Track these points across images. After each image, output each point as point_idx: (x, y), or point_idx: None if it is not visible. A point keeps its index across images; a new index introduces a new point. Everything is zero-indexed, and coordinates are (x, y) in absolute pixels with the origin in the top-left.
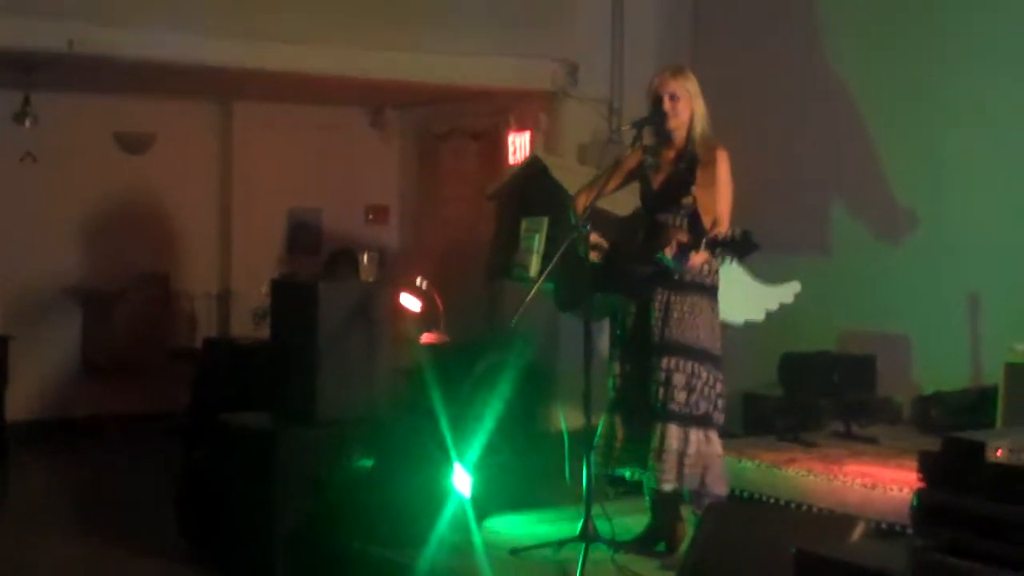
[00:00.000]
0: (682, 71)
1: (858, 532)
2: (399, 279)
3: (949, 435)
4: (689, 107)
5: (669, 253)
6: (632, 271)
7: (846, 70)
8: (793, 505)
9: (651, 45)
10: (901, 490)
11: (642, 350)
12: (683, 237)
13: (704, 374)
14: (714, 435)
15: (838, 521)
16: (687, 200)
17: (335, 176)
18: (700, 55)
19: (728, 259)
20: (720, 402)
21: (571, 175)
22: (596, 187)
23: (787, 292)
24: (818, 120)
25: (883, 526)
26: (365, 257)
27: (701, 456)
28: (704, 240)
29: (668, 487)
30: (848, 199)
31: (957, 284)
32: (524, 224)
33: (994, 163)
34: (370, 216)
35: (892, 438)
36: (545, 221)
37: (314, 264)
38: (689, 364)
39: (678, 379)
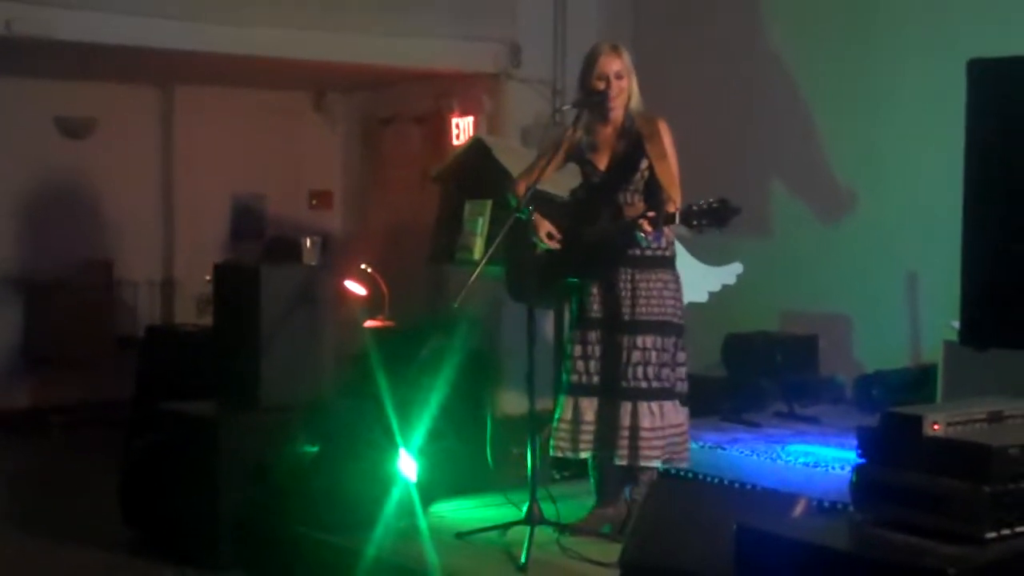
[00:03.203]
0: (619, 48)
1: (799, 508)
2: (343, 264)
3: (886, 410)
4: (628, 83)
5: (643, 231)
6: (600, 254)
7: (786, 51)
8: (736, 484)
9: (593, 26)
10: (843, 468)
11: (608, 329)
12: (653, 212)
13: (671, 348)
14: (681, 407)
15: (780, 498)
16: (637, 176)
17: (279, 161)
18: (641, 36)
19: (708, 228)
20: (684, 372)
21: (514, 157)
22: (535, 170)
23: (729, 273)
24: (758, 101)
25: (825, 504)
26: (308, 241)
27: (673, 429)
28: (679, 212)
29: (649, 463)
30: (789, 180)
31: (896, 264)
32: (468, 207)
33: (931, 144)
34: (314, 201)
35: (834, 417)
36: (489, 204)
37: (258, 250)
38: (659, 339)
39: (650, 356)
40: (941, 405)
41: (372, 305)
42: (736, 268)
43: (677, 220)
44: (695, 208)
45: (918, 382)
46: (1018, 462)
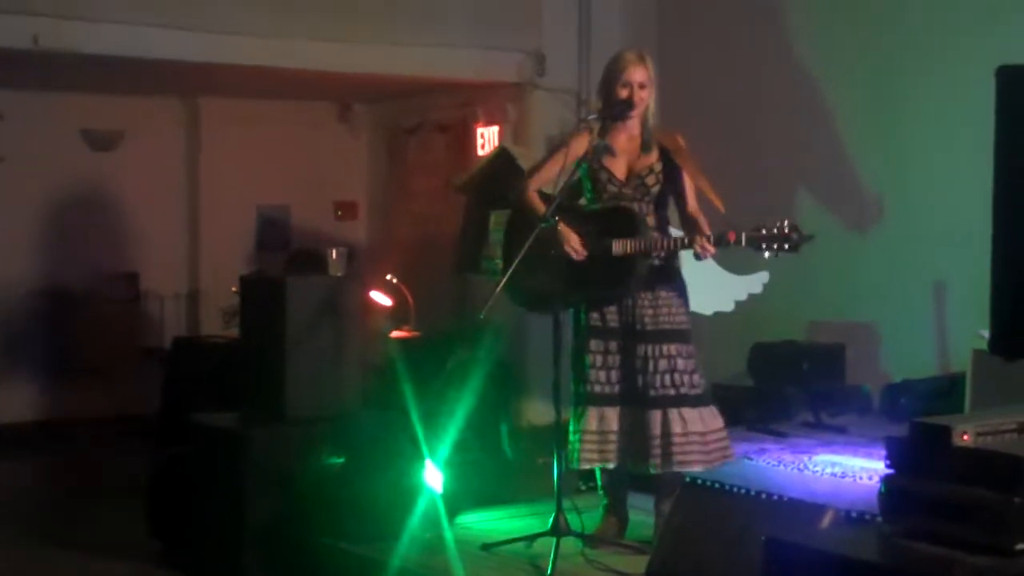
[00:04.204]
0: (645, 57)
1: (827, 520)
2: (368, 274)
3: (914, 420)
4: (649, 94)
5: (702, 252)
6: (633, 266)
7: (812, 61)
8: (763, 495)
9: (617, 35)
10: (871, 479)
11: (628, 339)
12: (710, 232)
13: (693, 353)
14: (715, 409)
15: (808, 509)
16: (654, 187)
17: (303, 172)
18: (666, 45)
19: (775, 253)
20: (703, 374)
21: None
22: (547, 173)
23: (756, 282)
24: (784, 110)
25: (853, 514)
26: (334, 252)
27: (716, 434)
28: (744, 236)
29: (685, 469)
30: (815, 189)
31: (924, 273)
32: (493, 217)
33: (959, 152)
34: (339, 212)
35: (861, 427)
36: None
37: (283, 261)
38: (682, 347)
39: (676, 363)
40: (970, 415)
41: (398, 316)
42: (762, 277)
43: (743, 243)
44: (765, 233)
45: (946, 391)
46: None
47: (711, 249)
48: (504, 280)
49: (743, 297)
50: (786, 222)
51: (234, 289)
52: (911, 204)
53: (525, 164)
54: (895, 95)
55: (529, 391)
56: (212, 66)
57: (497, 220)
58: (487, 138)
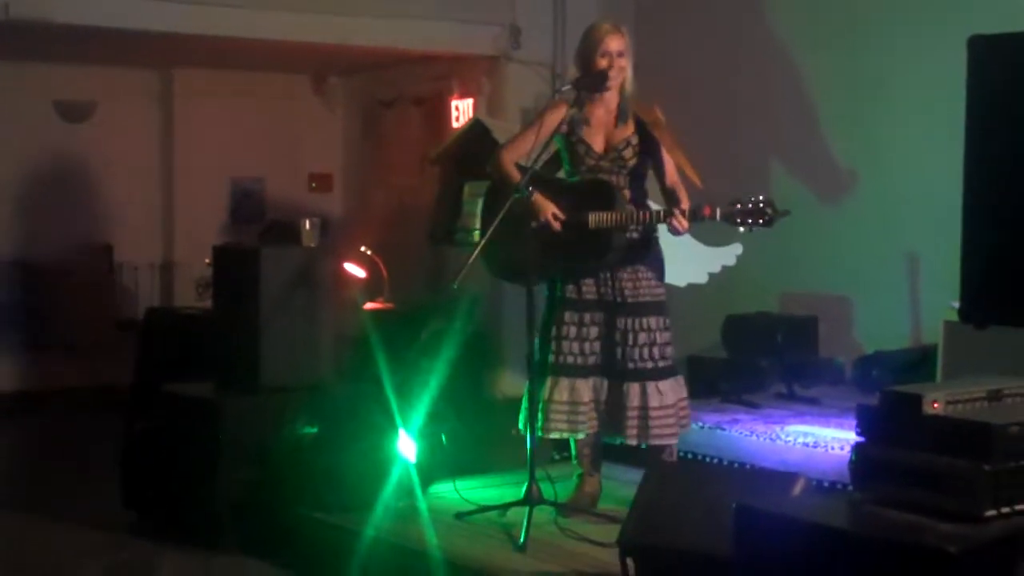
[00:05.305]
0: (621, 27)
1: (799, 488)
2: (343, 246)
3: (886, 389)
4: (627, 64)
5: (678, 225)
6: (611, 239)
7: (786, 32)
8: (736, 465)
9: (592, 9)
10: (843, 449)
11: (607, 311)
12: (685, 206)
13: (668, 326)
14: (682, 378)
15: (779, 478)
16: (631, 160)
17: (278, 144)
18: (642, 18)
19: (752, 229)
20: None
21: None
22: (524, 144)
23: (729, 254)
24: (758, 83)
25: (824, 484)
26: (307, 223)
27: (682, 403)
28: (719, 211)
29: (662, 442)
30: (789, 162)
31: (896, 245)
32: (467, 188)
33: (932, 124)
34: (313, 184)
35: (834, 398)
36: (488, 185)
37: (258, 233)
38: (661, 320)
39: (655, 336)
40: (941, 384)
41: (372, 287)
42: (736, 249)
43: (717, 218)
44: (740, 207)
45: (918, 363)
46: (1018, 440)
47: (685, 224)
48: (477, 251)
49: (717, 269)
50: (761, 197)
51: (208, 261)
52: (884, 177)
53: (499, 136)
54: (869, 66)
55: (503, 362)
56: (185, 36)
57: (471, 191)
58: (462, 111)
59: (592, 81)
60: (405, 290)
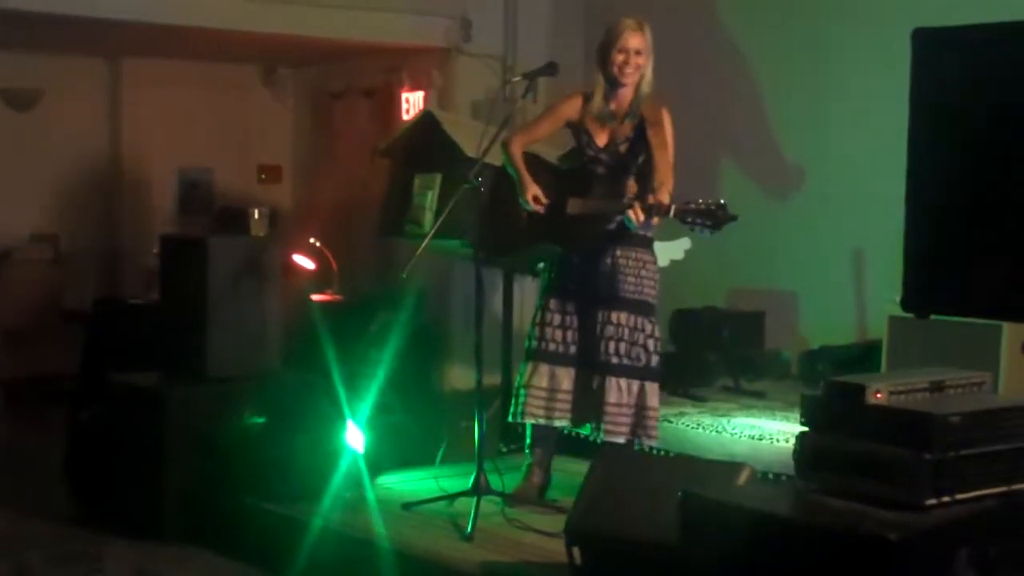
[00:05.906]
0: (643, 25)
1: (744, 477)
2: (292, 238)
3: (830, 379)
4: (645, 63)
5: (634, 217)
6: (584, 228)
7: (735, 28)
8: (682, 456)
9: (544, 2)
10: (788, 441)
11: (586, 301)
12: (653, 202)
13: (648, 327)
14: (656, 386)
15: (724, 468)
16: (626, 156)
17: (227, 135)
18: (593, 13)
19: (699, 229)
20: (657, 350)
21: (464, 130)
22: (536, 134)
23: (678, 249)
24: (707, 78)
25: (770, 475)
26: (256, 212)
27: (649, 411)
28: (675, 208)
29: (612, 439)
30: (737, 157)
31: (843, 241)
32: (417, 181)
33: (878, 120)
34: (262, 176)
35: (779, 392)
36: (438, 178)
37: (206, 224)
38: (635, 318)
39: (623, 332)
40: (884, 375)
41: (321, 279)
42: (684, 244)
43: (671, 214)
44: (693, 207)
45: (863, 357)
46: (958, 430)
47: (642, 217)
48: (427, 241)
49: (665, 263)
50: (721, 202)
51: (155, 250)
52: (830, 172)
53: (450, 128)
54: (816, 62)
55: (450, 354)
56: (134, 25)
57: (421, 184)
58: (412, 103)
59: (541, 72)
60: (354, 282)
